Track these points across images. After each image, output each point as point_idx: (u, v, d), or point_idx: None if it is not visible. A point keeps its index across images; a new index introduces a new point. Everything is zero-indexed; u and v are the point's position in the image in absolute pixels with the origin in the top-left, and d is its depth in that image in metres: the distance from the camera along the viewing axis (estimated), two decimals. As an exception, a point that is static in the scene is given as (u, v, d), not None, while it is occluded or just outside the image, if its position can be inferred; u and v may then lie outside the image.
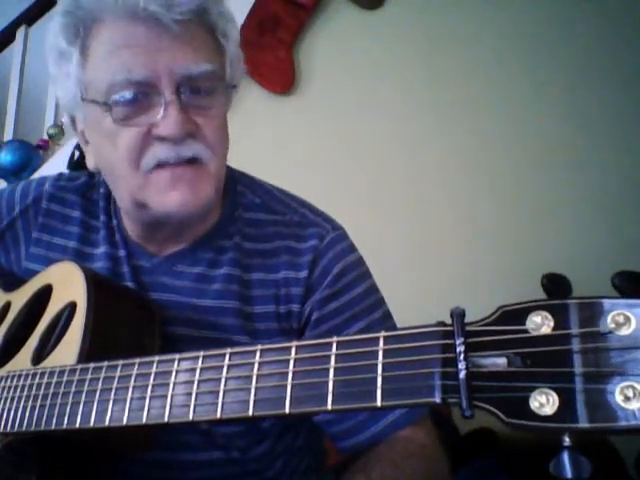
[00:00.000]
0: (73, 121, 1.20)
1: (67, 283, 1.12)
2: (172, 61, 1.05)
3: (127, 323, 1.11)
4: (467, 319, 0.59)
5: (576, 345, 0.53)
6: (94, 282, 1.08)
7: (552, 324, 0.55)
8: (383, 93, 3.05)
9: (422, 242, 2.88)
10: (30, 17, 3.74)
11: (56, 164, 3.10)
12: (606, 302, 0.53)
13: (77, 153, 3.01)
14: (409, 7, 3.08)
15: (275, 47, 3.09)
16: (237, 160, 1.32)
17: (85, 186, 1.32)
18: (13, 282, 1.27)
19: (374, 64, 3.08)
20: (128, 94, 1.06)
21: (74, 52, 1.09)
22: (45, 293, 1.16)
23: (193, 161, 1.09)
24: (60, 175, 1.37)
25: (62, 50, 1.10)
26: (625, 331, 0.52)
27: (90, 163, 1.20)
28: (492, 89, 2.95)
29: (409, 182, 2.95)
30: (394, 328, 1.22)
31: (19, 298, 1.22)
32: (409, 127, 3.00)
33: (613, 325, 0.52)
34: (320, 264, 1.19)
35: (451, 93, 2.99)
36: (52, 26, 1.12)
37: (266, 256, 1.21)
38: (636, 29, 2.83)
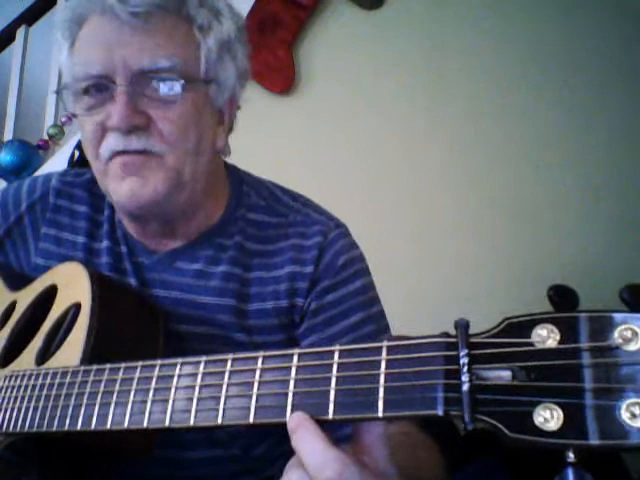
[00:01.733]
0: None
1: (72, 284, 1.12)
2: (129, 55, 1.08)
3: (131, 324, 1.11)
4: (472, 331, 0.59)
5: (582, 360, 0.53)
6: (99, 283, 1.09)
7: (558, 337, 0.54)
8: (383, 93, 3.04)
9: (424, 250, 2.87)
10: (30, 17, 3.76)
11: (56, 164, 3.11)
12: (614, 316, 0.53)
13: (77, 153, 3.01)
14: (409, 7, 3.08)
15: (275, 47, 3.09)
16: (237, 160, 1.33)
17: (91, 182, 1.32)
18: (19, 281, 1.28)
19: (374, 64, 3.08)
20: (86, 87, 1.10)
21: (65, 45, 1.16)
22: (50, 293, 1.16)
23: (145, 153, 1.10)
24: (66, 171, 1.39)
25: (59, 43, 1.17)
26: (633, 346, 0.51)
27: None
28: (493, 89, 2.94)
29: (410, 182, 2.95)
30: (387, 328, 1.24)
31: (24, 298, 1.22)
32: (409, 127, 2.99)
33: (620, 340, 0.51)
34: (324, 259, 1.21)
35: (451, 93, 2.98)
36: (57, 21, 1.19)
37: (268, 256, 1.23)
38: (637, 30, 2.83)
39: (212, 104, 1.18)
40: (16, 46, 3.75)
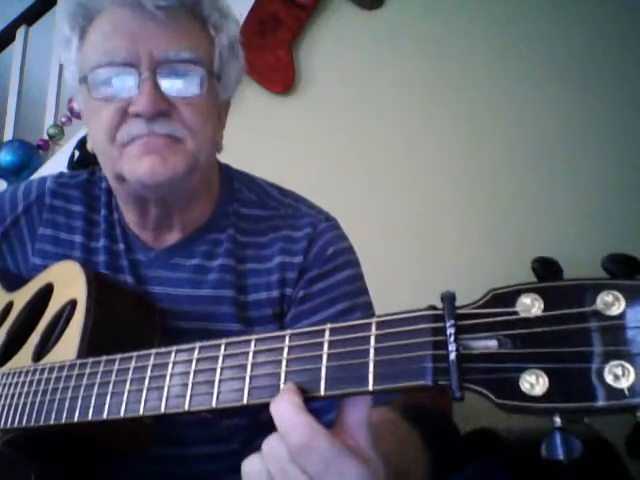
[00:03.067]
0: (80, 107, 1.24)
1: (68, 282, 1.13)
2: (153, 45, 1.10)
3: (127, 321, 1.12)
4: (457, 303, 0.59)
5: (565, 326, 0.53)
6: (95, 280, 1.09)
7: (542, 306, 0.55)
8: (383, 93, 3.05)
9: (413, 228, 2.88)
10: (30, 17, 3.75)
11: (56, 164, 3.11)
12: (595, 283, 0.53)
13: (77, 153, 3.02)
14: (409, 7, 3.09)
15: (275, 47, 3.09)
16: (237, 159, 1.34)
17: (86, 182, 1.34)
18: (15, 282, 1.28)
19: (374, 64, 3.08)
20: (109, 74, 1.12)
21: (74, 38, 1.17)
22: (46, 292, 1.17)
23: (168, 136, 1.12)
24: (61, 173, 1.40)
25: (66, 36, 1.18)
26: (614, 311, 0.52)
27: (89, 144, 1.23)
28: (492, 88, 2.95)
29: (408, 181, 2.95)
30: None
31: (21, 297, 1.22)
32: (409, 127, 3.00)
33: (602, 305, 0.52)
34: (313, 249, 1.23)
35: (451, 93, 2.99)
36: (63, 14, 1.20)
37: (259, 248, 1.24)
38: (637, 31, 2.83)
39: (218, 100, 1.21)
40: (16, 46, 3.75)
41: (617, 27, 2.83)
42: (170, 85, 1.12)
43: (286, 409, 0.65)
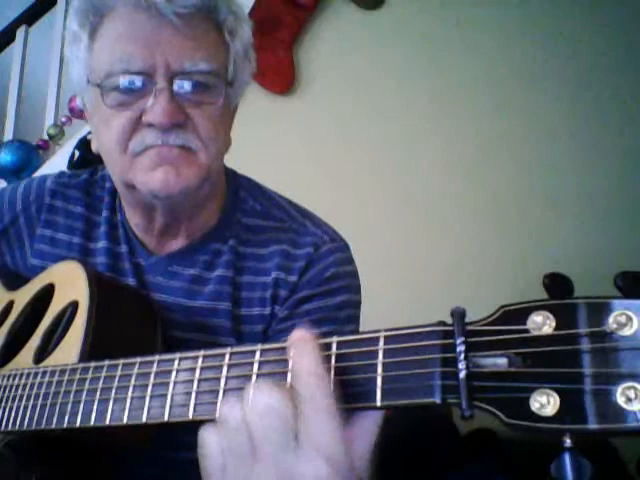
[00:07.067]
0: (84, 105, 1.22)
1: (70, 282, 1.12)
2: (170, 54, 1.08)
3: (129, 323, 1.11)
4: (468, 319, 0.59)
5: (577, 345, 0.53)
6: (97, 281, 1.09)
7: (554, 324, 0.54)
8: (383, 93, 3.05)
9: (422, 241, 2.88)
10: (30, 17, 3.77)
11: (56, 164, 3.11)
12: (608, 302, 0.53)
13: (77, 153, 3.02)
14: (409, 7, 3.09)
15: (275, 47, 3.09)
16: (237, 160, 1.33)
17: (87, 183, 1.33)
18: (16, 281, 1.28)
19: (374, 64, 3.08)
20: (124, 82, 1.09)
21: (83, 36, 1.13)
22: (47, 292, 1.16)
23: (182, 148, 1.11)
24: (62, 172, 1.39)
25: (74, 33, 1.14)
26: (627, 331, 0.51)
27: (93, 145, 1.22)
28: (493, 88, 2.95)
29: (409, 181, 2.95)
30: None
31: (22, 297, 1.22)
32: (409, 127, 3.00)
33: (615, 325, 0.51)
34: (310, 271, 1.20)
35: (451, 93, 2.99)
36: (70, 9, 1.17)
37: (259, 260, 1.23)
38: (636, 32, 2.83)
39: (231, 105, 1.20)
40: (16, 46, 3.76)
41: (622, 27, 2.83)
42: (186, 96, 1.10)
43: (310, 362, 0.63)
